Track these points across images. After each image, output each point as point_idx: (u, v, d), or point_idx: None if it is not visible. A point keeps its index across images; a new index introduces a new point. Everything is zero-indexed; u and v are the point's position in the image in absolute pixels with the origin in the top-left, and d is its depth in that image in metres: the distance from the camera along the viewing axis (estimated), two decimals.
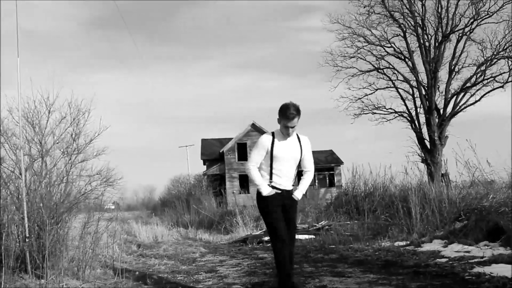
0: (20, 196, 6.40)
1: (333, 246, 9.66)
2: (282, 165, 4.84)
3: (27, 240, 6.07)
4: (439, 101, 28.11)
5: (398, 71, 28.81)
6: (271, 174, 4.84)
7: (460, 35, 27.40)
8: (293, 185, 5.03)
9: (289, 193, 4.96)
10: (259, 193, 4.88)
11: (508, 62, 26.30)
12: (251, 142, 34.76)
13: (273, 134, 4.89)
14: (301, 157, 4.95)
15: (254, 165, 4.89)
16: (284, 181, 4.90)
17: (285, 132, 4.80)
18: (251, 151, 4.94)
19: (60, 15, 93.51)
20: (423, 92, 28.00)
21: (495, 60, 26.64)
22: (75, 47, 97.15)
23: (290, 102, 4.77)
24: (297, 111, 4.73)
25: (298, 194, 5.04)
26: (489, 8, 26.23)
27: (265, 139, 4.85)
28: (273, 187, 4.84)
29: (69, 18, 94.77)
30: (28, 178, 6.78)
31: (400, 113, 28.78)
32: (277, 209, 4.86)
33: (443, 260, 6.88)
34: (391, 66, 28.99)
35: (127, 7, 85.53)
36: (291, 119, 4.70)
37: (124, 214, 31.12)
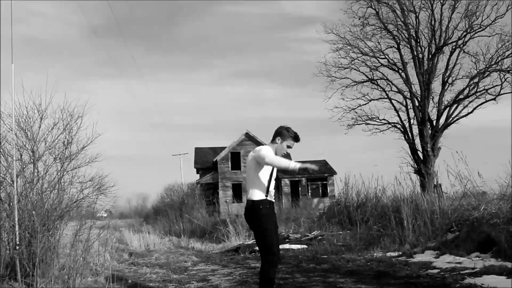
0: (11, 203, 6.35)
1: (325, 256, 9.64)
2: (273, 181, 4.79)
3: (17, 247, 6.02)
4: (432, 113, 28.31)
5: (391, 82, 29.01)
6: (268, 189, 4.68)
7: (454, 47, 27.67)
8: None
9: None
10: (262, 206, 4.65)
11: (500, 75, 26.55)
12: (245, 151, 34.71)
13: None
14: None
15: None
16: (273, 195, 4.83)
17: (284, 151, 4.83)
18: (268, 155, 4.55)
19: (62, 23, 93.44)
20: (416, 104, 28.17)
21: (488, 72, 26.86)
22: (75, 55, 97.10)
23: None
24: None
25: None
26: (482, 21, 26.53)
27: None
28: (270, 202, 4.70)
29: (71, 25, 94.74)
30: (19, 184, 6.74)
31: (393, 124, 28.94)
32: (275, 226, 4.74)
33: (435, 271, 6.89)
34: (385, 77, 29.18)
35: (129, 17, 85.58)
36: (297, 142, 4.89)
37: (117, 222, 30.96)
